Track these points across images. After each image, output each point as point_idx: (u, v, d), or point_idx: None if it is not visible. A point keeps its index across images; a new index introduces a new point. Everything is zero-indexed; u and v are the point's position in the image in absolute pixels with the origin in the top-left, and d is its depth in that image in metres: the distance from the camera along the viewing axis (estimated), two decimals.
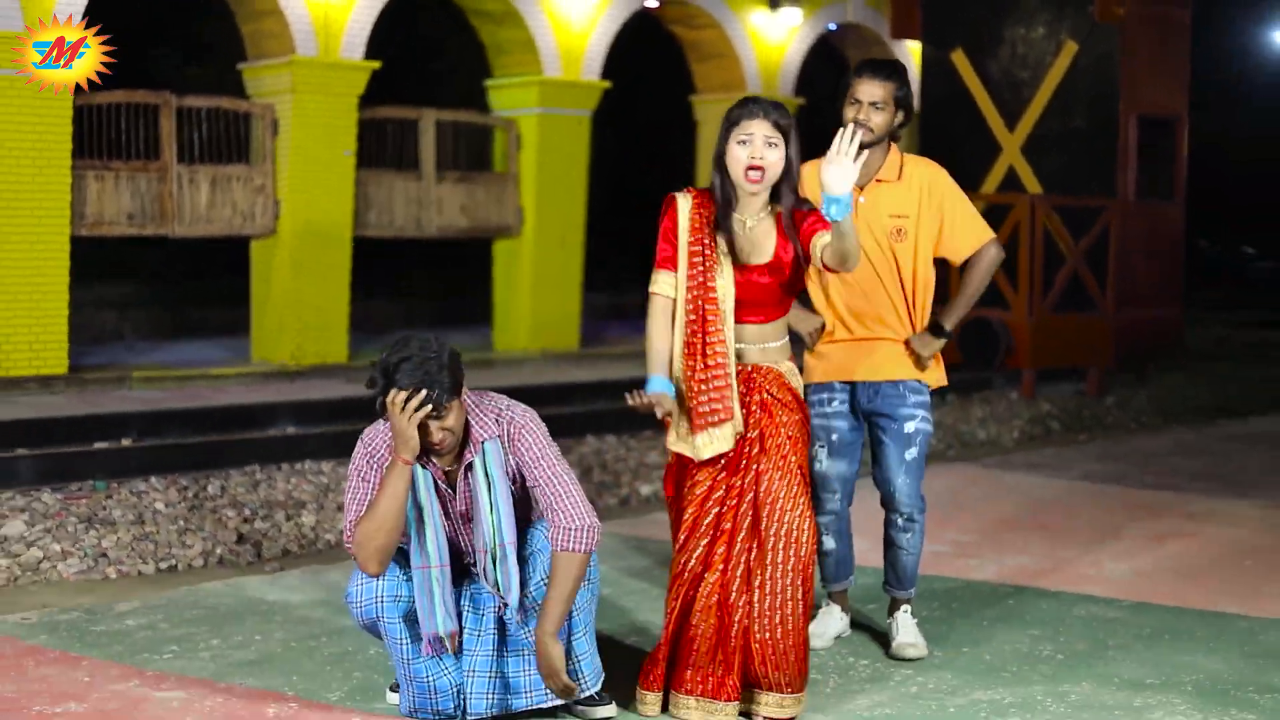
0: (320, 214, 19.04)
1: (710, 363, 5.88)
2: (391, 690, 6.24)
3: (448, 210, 20.90)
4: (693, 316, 5.91)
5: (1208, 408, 17.19)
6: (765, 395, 6.00)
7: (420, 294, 26.57)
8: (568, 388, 17.27)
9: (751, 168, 5.83)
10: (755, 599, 5.90)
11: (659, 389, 5.93)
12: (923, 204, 6.74)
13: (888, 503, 6.89)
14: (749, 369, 6.01)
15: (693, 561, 5.95)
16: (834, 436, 6.83)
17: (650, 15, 23.30)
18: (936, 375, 6.89)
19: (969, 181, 19.52)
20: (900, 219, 6.70)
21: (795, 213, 5.93)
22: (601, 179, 22.62)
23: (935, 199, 6.75)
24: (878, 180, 6.72)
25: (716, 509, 5.94)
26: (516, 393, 16.70)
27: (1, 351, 16.60)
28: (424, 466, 5.74)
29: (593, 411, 15.38)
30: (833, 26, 25.09)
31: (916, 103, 22.47)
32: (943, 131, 20.54)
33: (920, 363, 6.79)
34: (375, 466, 5.79)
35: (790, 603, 5.89)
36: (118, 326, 22.70)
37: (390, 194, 20.33)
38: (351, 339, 19.84)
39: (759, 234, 5.94)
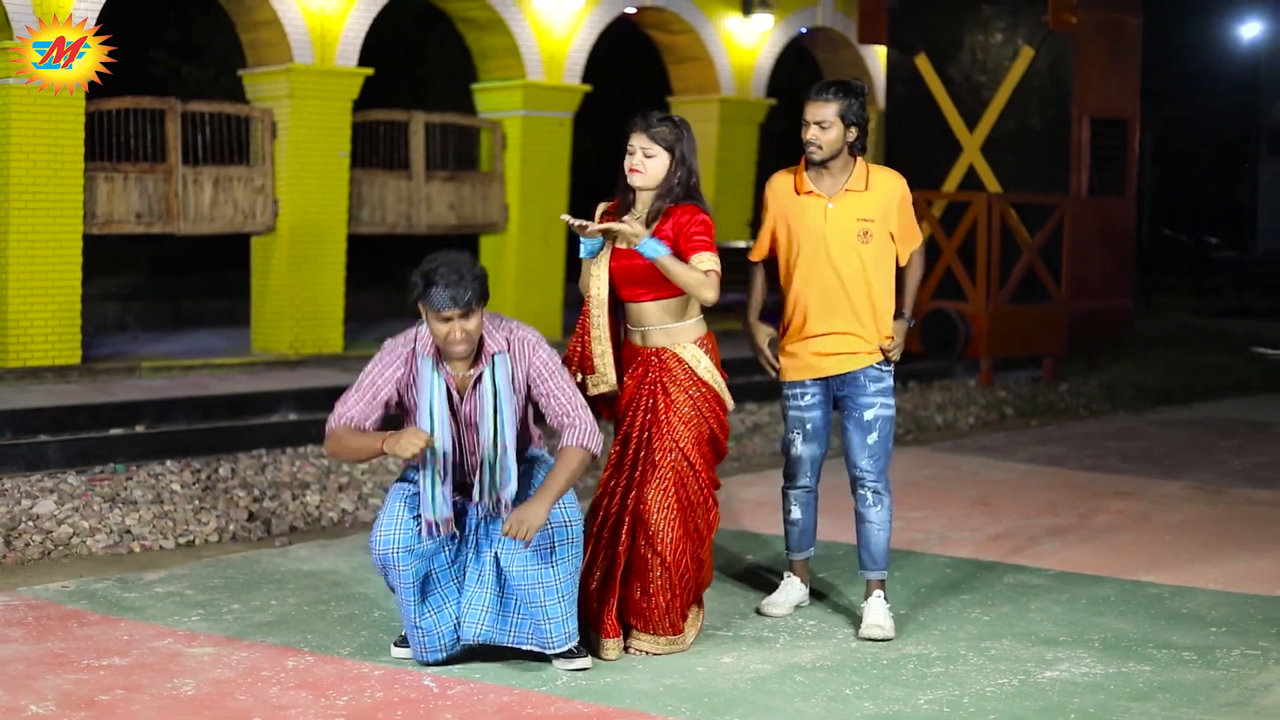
0: (316, 212, 19.49)
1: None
2: (396, 645, 6.83)
3: (437, 208, 21.33)
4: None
5: (1154, 393, 17.48)
6: (662, 378, 6.94)
7: (405, 286, 26.83)
8: None
9: (631, 169, 6.90)
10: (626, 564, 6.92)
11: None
12: (888, 209, 7.24)
13: (856, 483, 7.36)
14: (650, 350, 6.97)
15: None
16: (808, 426, 7.42)
17: (629, 21, 23.60)
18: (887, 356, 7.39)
19: (932, 178, 19.99)
20: (867, 222, 7.18)
21: (673, 210, 6.91)
22: (583, 177, 23.17)
23: (896, 205, 7.27)
24: (846, 190, 7.21)
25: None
26: None
27: (20, 343, 17.06)
28: (438, 371, 6.38)
29: None
30: (804, 30, 25.45)
31: (882, 103, 23.25)
32: (907, 131, 20.92)
33: (895, 349, 7.36)
34: (390, 364, 6.46)
35: (656, 586, 6.87)
36: (121, 318, 23.04)
37: (382, 193, 20.76)
38: (346, 330, 20.25)
39: (635, 224, 6.85)
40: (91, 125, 17.89)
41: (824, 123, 7.16)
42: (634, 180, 6.90)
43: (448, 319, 6.24)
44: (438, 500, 6.34)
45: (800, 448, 7.50)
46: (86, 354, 18.15)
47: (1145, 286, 28.07)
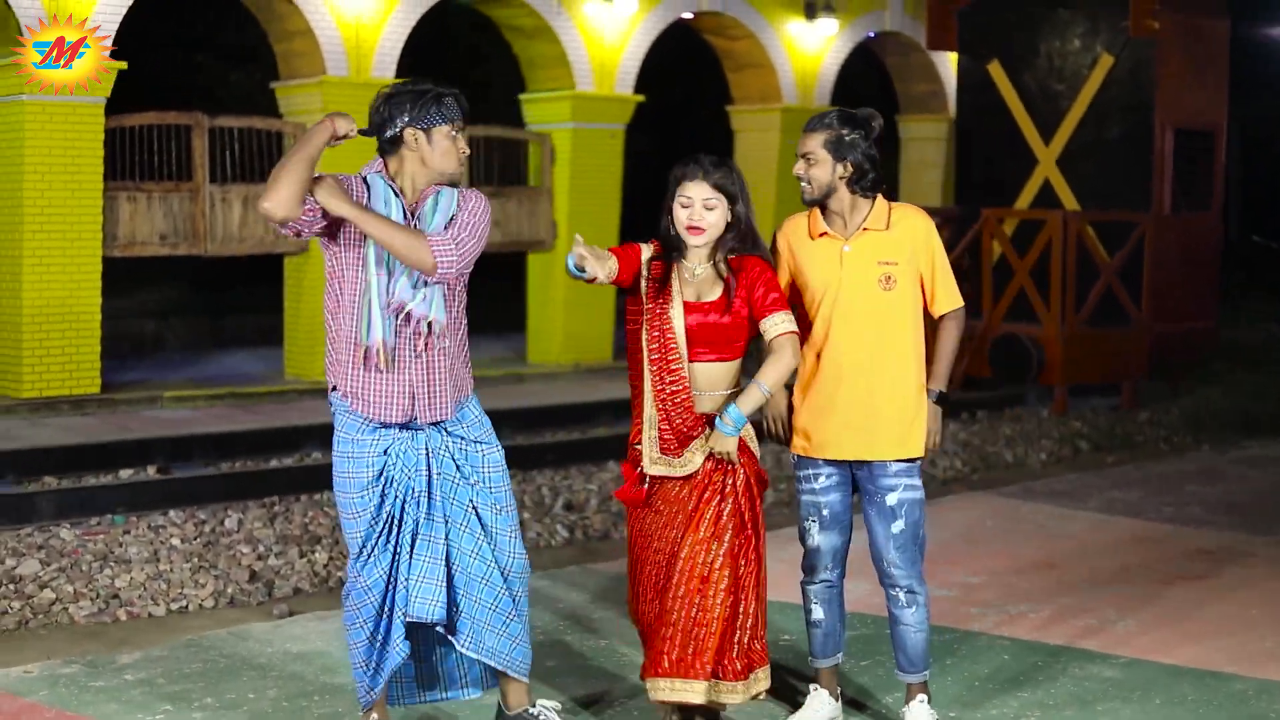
0: None
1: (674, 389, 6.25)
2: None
3: None
4: (654, 346, 6.23)
5: (1239, 422, 17.05)
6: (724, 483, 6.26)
7: None
8: (597, 406, 17.23)
9: (691, 228, 6.19)
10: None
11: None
12: (915, 250, 6.47)
13: (883, 578, 6.63)
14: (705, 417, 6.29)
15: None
16: (825, 512, 6.59)
17: (686, 26, 23.22)
18: (915, 447, 6.56)
19: (1005, 193, 19.81)
20: (889, 265, 6.42)
21: (739, 264, 6.24)
22: (639, 188, 22.60)
23: (924, 248, 6.50)
24: (864, 229, 6.44)
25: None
26: (548, 413, 16.49)
27: (35, 373, 16.71)
28: (395, 193, 6.18)
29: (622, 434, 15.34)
30: (871, 35, 25.02)
31: (952, 112, 22.63)
32: (979, 143, 20.63)
33: (930, 437, 6.58)
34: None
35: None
36: (158, 336, 22.77)
37: None
38: None
39: (704, 279, 6.22)
40: (112, 142, 17.54)
41: (810, 156, 6.41)
42: (695, 240, 6.23)
43: None
44: (377, 323, 6.13)
45: (817, 537, 6.64)
46: (109, 380, 17.85)
47: (1231, 295, 27.57)
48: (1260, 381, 20.28)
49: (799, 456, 6.64)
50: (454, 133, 6.23)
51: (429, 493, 6.20)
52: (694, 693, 6.16)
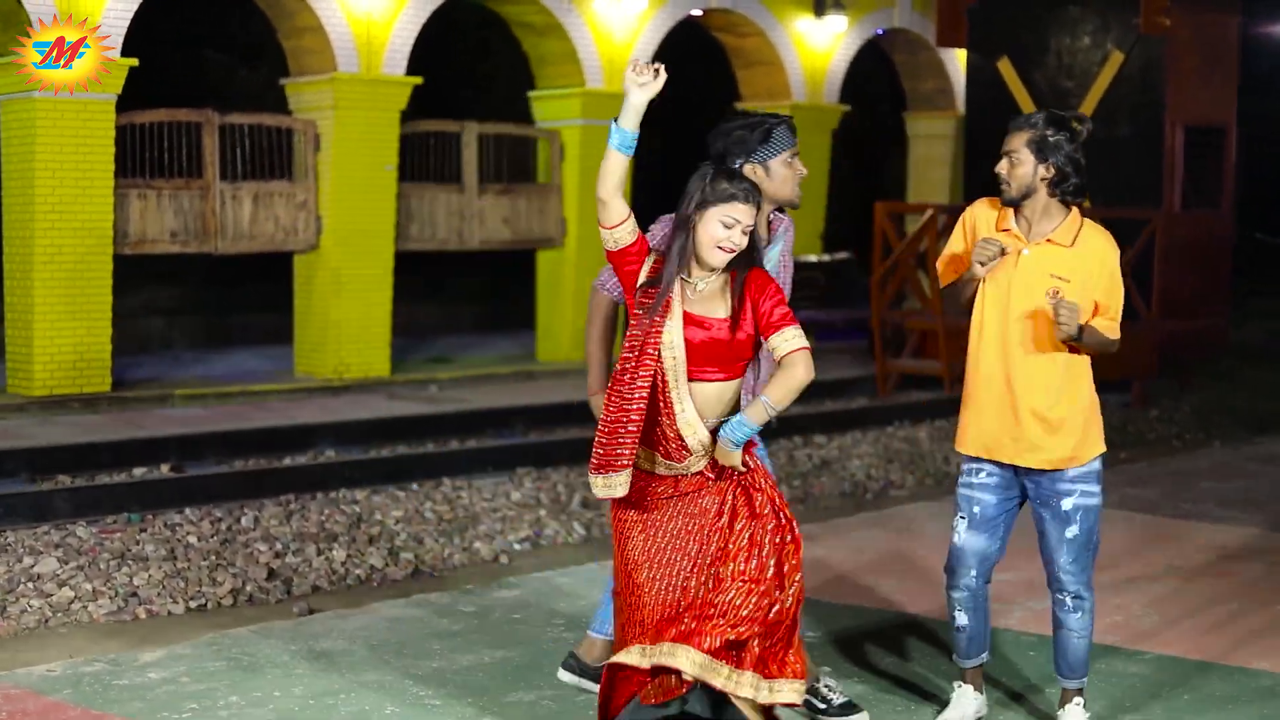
0: (362, 229, 19.04)
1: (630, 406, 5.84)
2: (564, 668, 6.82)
3: (490, 222, 20.83)
4: (629, 353, 5.84)
5: (1250, 420, 17.01)
6: (741, 478, 5.97)
7: (463, 298, 26.49)
8: None
9: (725, 248, 5.81)
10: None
11: None
12: (1091, 274, 6.27)
13: (1053, 582, 6.48)
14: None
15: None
16: (976, 509, 6.44)
17: (695, 23, 23.12)
18: (1095, 447, 6.41)
19: None
20: (1060, 280, 6.23)
21: (745, 279, 5.90)
22: (649, 177, 22.52)
23: (1102, 271, 6.29)
24: (1048, 240, 6.30)
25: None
26: (561, 410, 16.47)
27: (47, 371, 16.63)
28: None
29: None
30: (880, 32, 24.90)
31: (961, 109, 22.59)
32: (988, 140, 20.22)
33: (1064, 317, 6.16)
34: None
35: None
36: (166, 334, 22.68)
37: (432, 207, 20.26)
38: (393, 350, 19.81)
39: (707, 294, 5.87)
40: (123, 140, 17.46)
41: (1013, 154, 6.28)
42: (723, 260, 5.87)
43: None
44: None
45: (963, 535, 6.48)
46: (119, 378, 17.76)
47: (1238, 293, 27.53)
48: (1267, 379, 20.24)
49: (963, 454, 6.51)
50: (790, 158, 6.47)
51: None
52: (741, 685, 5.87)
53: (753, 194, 5.83)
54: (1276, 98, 37.93)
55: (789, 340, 5.77)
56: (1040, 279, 6.24)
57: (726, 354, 5.83)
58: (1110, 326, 6.27)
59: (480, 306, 26.27)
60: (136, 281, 22.60)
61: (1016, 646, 7.90)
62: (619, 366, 5.81)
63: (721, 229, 5.79)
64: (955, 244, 6.56)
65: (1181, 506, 11.78)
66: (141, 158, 17.75)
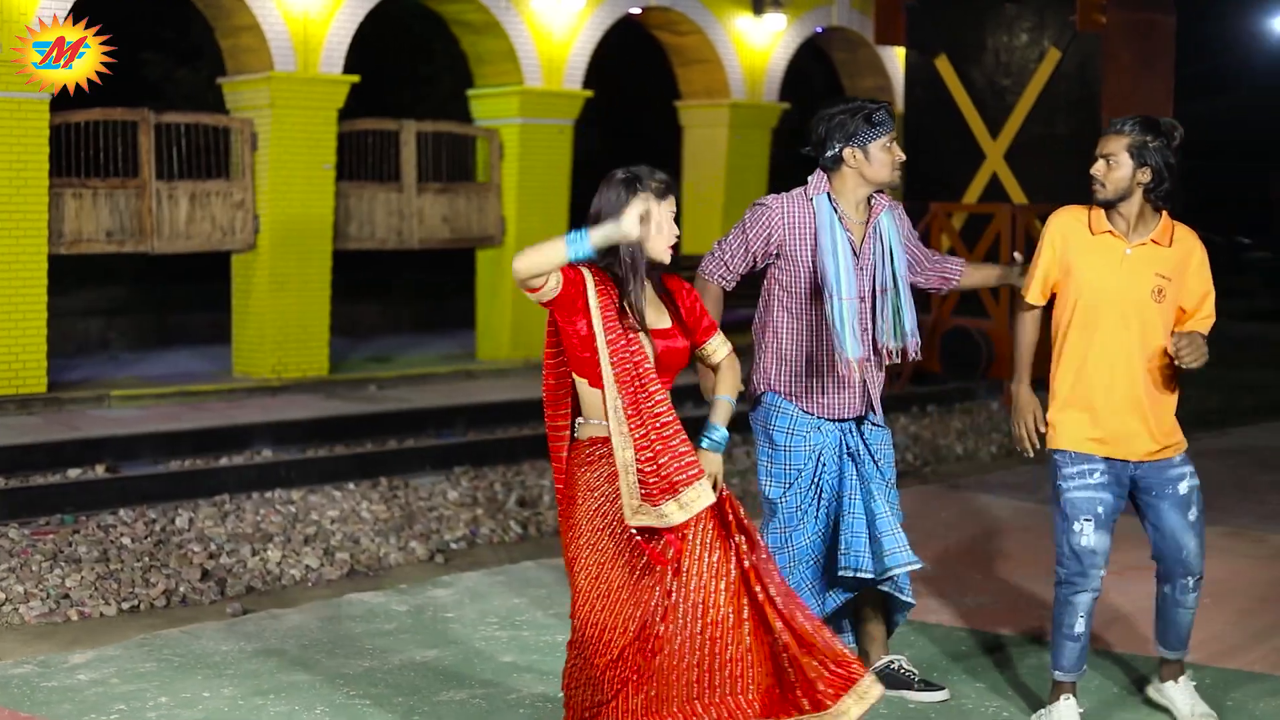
0: (300, 228, 18.90)
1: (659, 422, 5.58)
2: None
3: (429, 221, 20.73)
4: (628, 379, 5.58)
5: (1189, 417, 16.92)
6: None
7: (403, 297, 26.43)
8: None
9: (672, 246, 5.69)
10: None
11: None
12: (1184, 270, 6.49)
13: (1176, 568, 6.60)
14: None
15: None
16: (1100, 509, 6.48)
17: (634, 21, 23.06)
18: (1181, 433, 6.60)
19: (953, 188, 19.69)
20: (1164, 280, 6.44)
21: (668, 283, 5.79)
22: (588, 184, 22.58)
23: (1193, 266, 6.52)
24: (1150, 239, 6.47)
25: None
26: (499, 409, 16.36)
27: None
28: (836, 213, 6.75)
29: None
30: (819, 30, 24.89)
31: (901, 107, 22.65)
32: (927, 138, 20.42)
33: (1193, 351, 6.31)
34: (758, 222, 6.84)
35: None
36: (104, 335, 22.51)
37: (371, 206, 20.14)
38: (333, 349, 19.71)
39: (650, 303, 5.69)
40: (58, 139, 17.31)
41: (1110, 157, 6.40)
42: (668, 258, 5.74)
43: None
44: (849, 339, 6.65)
45: (1092, 537, 6.49)
46: (55, 379, 17.61)
47: None
48: (1205, 375, 20.16)
49: (1068, 453, 6.51)
50: (888, 143, 6.71)
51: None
52: None
53: (667, 183, 5.72)
54: (1216, 97, 38.31)
55: (721, 346, 5.81)
56: (1146, 278, 6.42)
57: (678, 362, 5.73)
58: (1207, 323, 6.56)
59: (421, 306, 26.18)
60: (75, 282, 22.48)
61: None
62: (620, 388, 5.55)
63: (669, 225, 5.67)
64: (1047, 264, 6.64)
65: None
66: (77, 157, 17.60)
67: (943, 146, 20.02)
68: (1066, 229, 6.57)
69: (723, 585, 5.56)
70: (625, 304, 5.57)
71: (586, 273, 5.55)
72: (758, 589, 5.56)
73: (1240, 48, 39.63)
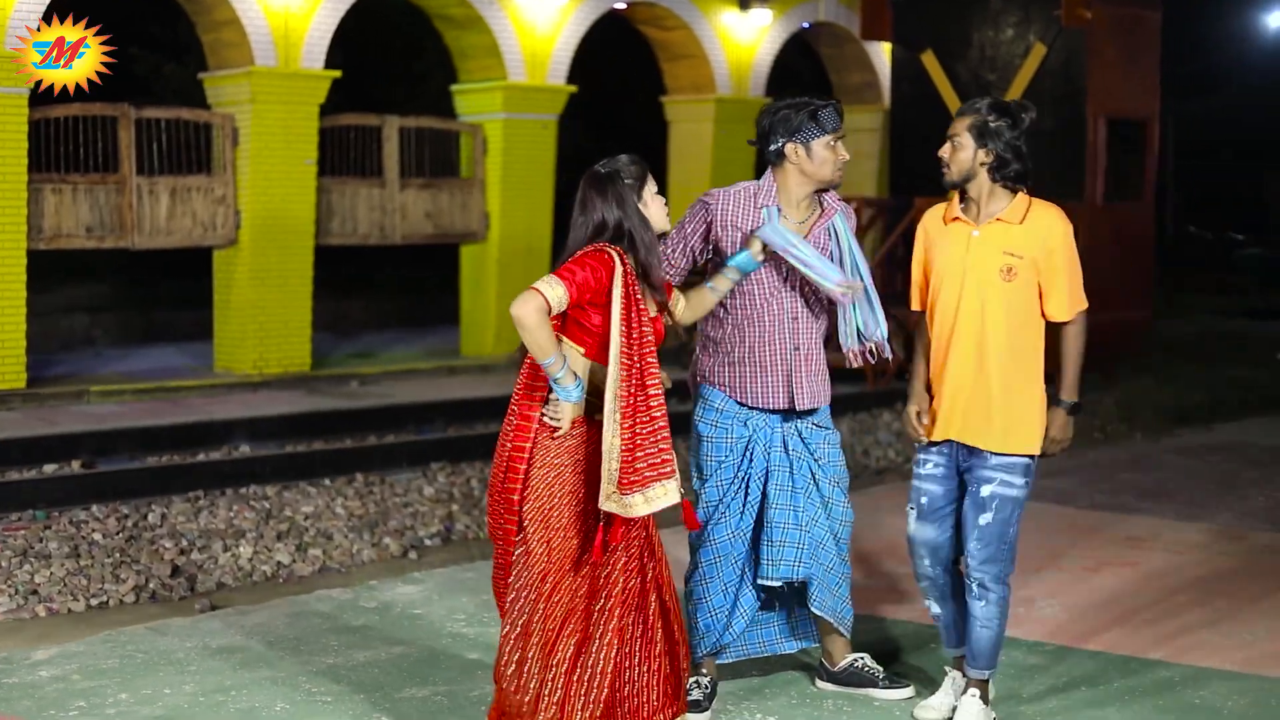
0: (282, 223, 18.79)
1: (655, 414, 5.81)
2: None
3: (412, 217, 20.62)
4: (629, 360, 5.79)
5: (1173, 413, 17.03)
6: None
7: (387, 293, 26.36)
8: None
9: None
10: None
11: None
12: (1042, 249, 6.40)
13: (964, 568, 6.57)
14: None
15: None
16: (923, 500, 6.59)
17: (620, 16, 22.97)
18: (1018, 444, 6.44)
19: (938, 183, 19.51)
20: (1013, 257, 6.38)
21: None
22: (572, 180, 22.51)
23: (1050, 248, 6.42)
24: (998, 220, 6.43)
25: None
26: (480, 405, 16.30)
27: None
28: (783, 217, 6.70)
29: None
30: (806, 25, 24.79)
31: (887, 102, 22.62)
32: (913, 132, 20.52)
33: (1053, 445, 6.48)
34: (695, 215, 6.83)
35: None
36: (88, 332, 22.43)
37: (353, 202, 20.02)
38: (316, 345, 19.63)
39: None
40: (37, 134, 17.16)
41: (955, 139, 6.45)
42: (668, 224, 6.27)
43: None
44: (870, 322, 6.74)
45: (913, 526, 6.64)
46: (37, 375, 17.49)
47: (1167, 285, 27.69)
48: (1193, 373, 20.26)
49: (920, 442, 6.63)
50: (833, 142, 6.65)
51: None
52: None
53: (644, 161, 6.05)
54: (1210, 95, 38.32)
55: (680, 293, 6.45)
56: (993, 257, 6.37)
57: (662, 336, 6.06)
58: (1068, 308, 6.49)
59: (404, 301, 26.11)
60: (59, 279, 22.40)
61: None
62: (624, 375, 5.75)
63: (658, 199, 6.03)
64: (916, 267, 6.69)
65: (1096, 498, 11.78)
66: (56, 152, 17.46)
67: (928, 141, 19.71)
68: (927, 226, 6.62)
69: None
70: (647, 284, 5.93)
71: (617, 260, 5.83)
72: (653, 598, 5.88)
73: (1234, 46, 39.63)
